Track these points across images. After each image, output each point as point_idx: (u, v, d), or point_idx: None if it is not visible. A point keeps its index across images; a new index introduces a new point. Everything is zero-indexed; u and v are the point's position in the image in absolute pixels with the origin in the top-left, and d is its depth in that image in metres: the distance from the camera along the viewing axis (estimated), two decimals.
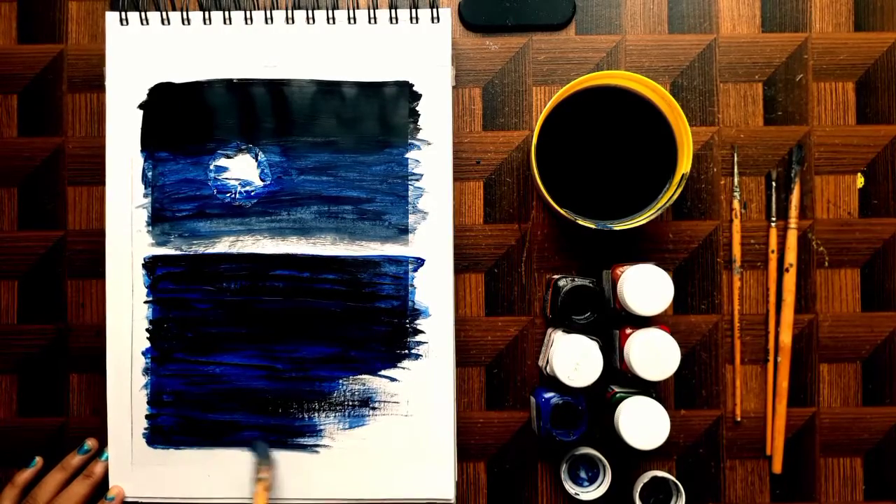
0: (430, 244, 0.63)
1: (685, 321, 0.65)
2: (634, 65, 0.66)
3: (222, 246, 0.63)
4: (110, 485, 0.63)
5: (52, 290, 0.66)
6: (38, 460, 0.64)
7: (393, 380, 0.63)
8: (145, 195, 0.64)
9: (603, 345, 0.59)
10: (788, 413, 0.65)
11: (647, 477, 0.62)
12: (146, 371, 0.63)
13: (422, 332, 0.63)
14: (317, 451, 0.63)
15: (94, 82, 0.66)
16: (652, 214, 0.59)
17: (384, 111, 0.63)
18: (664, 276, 0.56)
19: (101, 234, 0.64)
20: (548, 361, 0.60)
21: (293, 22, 0.64)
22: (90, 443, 0.64)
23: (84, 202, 0.66)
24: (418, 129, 0.63)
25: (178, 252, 0.63)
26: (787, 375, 0.64)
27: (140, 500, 0.63)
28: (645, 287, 0.56)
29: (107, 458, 0.63)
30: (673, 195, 0.58)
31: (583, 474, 0.64)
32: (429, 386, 0.63)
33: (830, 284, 0.65)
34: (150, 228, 0.64)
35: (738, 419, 0.65)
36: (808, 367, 0.65)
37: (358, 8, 0.64)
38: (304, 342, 0.63)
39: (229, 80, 0.63)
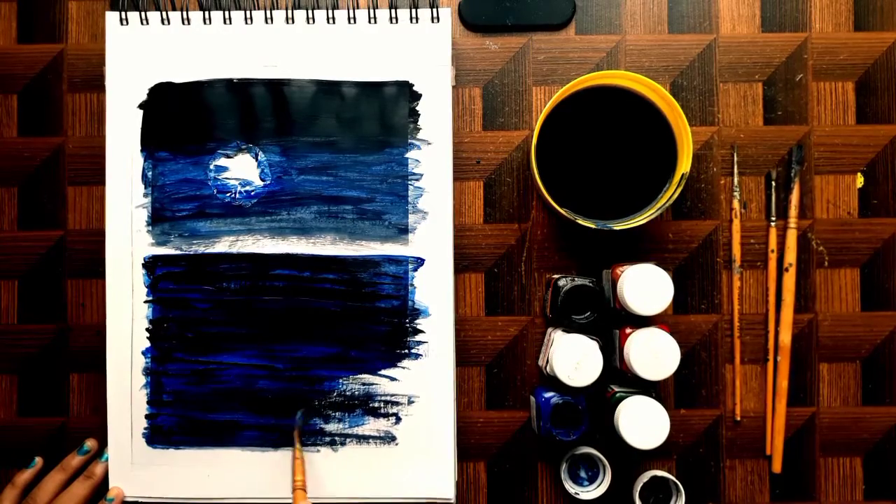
0: (430, 244, 0.63)
1: (685, 321, 0.65)
2: (634, 65, 0.66)
3: (222, 246, 0.63)
4: (110, 485, 0.63)
5: (52, 290, 0.66)
6: (38, 461, 0.64)
7: (393, 379, 0.63)
8: (145, 195, 0.64)
9: (603, 344, 0.59)
10: (788, 413, 0.65)
11: (647, 476, 0.62)
12: (146, 371, 0.63)
13: (422, 331, 0.63)
14: (317, 451, 0.63)
15: (94, 82, 0.66)
16: (652, 214, 0.59)
17: (384, 111, 0.63)
18: (664, 276, 0.56)
19: (101, 234, 0.64)
20: (548, 361, 0.60)
21: (293, 22, 0.64)
22: (90, 443, 0.64)
23: (84, 202, 0.66)
24: (418, 129, 0.63)
25: (178, 252, 0.63)
26: (786, 375, 0.64)
27: (140, 500, 0.63)
28: (645, 287, 0.56)
29: (107, 459, 0.63)
30: (673, 195, 0.58)
31: (583, 474, 0.64)
32: (429, 386, 0.63)
33: (830, 284, 0.65)
34: (150, 228, 0.64)
35: (738, 419, 0.65)
36: (808, 366, 0.65)
37: (358, 8, 0.64)
38: (304, 342, 0.63)
39: (229, 80, 0.63)
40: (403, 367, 0.63)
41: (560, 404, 0.59)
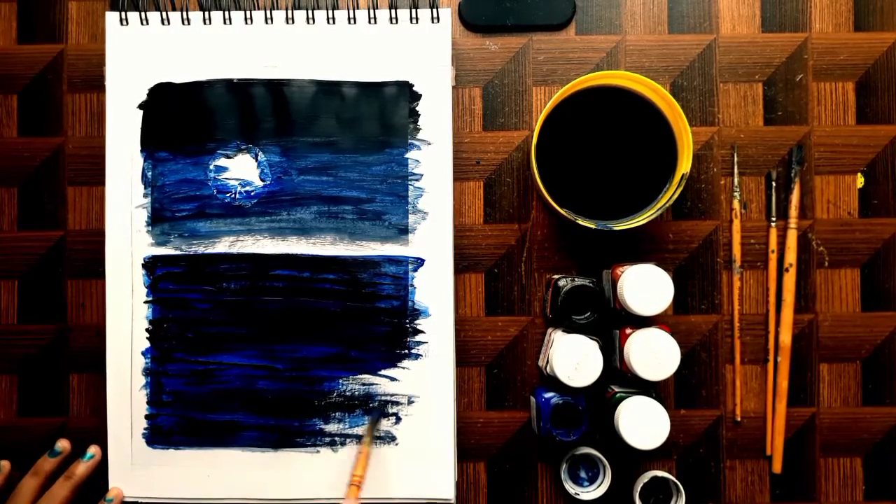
0: (430, 244, 0.63)
1: (685, 321, 0.65)
2: (634, 65, 0.66)
3: (222, 246, 0.63)
4: (110, 485, 0.63)
5: (52, 290, 0.66)
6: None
7: (393, 380, 0.63)
8: (145, 195, 0.64)
9: (603, 345, 0.59)
10: (788, 413, 0.65)
11: (647, 477, 0.62)
12: (146, 371, 0.63)
13: (422, 332, 0.63)
14: (317, 451, 0.63)
15: (94, 82, 0.66)
16: (652, 214, 0.59)
17: (384, 111, 0.63)
18: (664, 276, 0.56)
19: (101, 234, 0.64)
20: (548, 361, 0.60)
21: (293, 22, 0.64)
22: (61, 444, 0.63)
23: (84, 202, 0.66)
24: (418, 129, 0.63)
25: (178, 252, 0.63)
26: (786, 375, 0.64)
27: (139, 501, 0.63)
28: (645, 287, 0.56)
29: (89, 458, 0.63)
30: (673, 195, 0.58)
31: (583, 474, 0.64)
32: (429, 386, 0.63)
33: (830, 284, 0.65)
34: (150, 228, 0.64)
35: (738, 419, 0.65)
36: (808, 367, 0.65)
37: (358, 8, 0.64)
38: (304, 342, 0.63)
39: (229, 80, 0.63)
40: (403, 368, 0.63)
41: (560, 405, 0.59)
